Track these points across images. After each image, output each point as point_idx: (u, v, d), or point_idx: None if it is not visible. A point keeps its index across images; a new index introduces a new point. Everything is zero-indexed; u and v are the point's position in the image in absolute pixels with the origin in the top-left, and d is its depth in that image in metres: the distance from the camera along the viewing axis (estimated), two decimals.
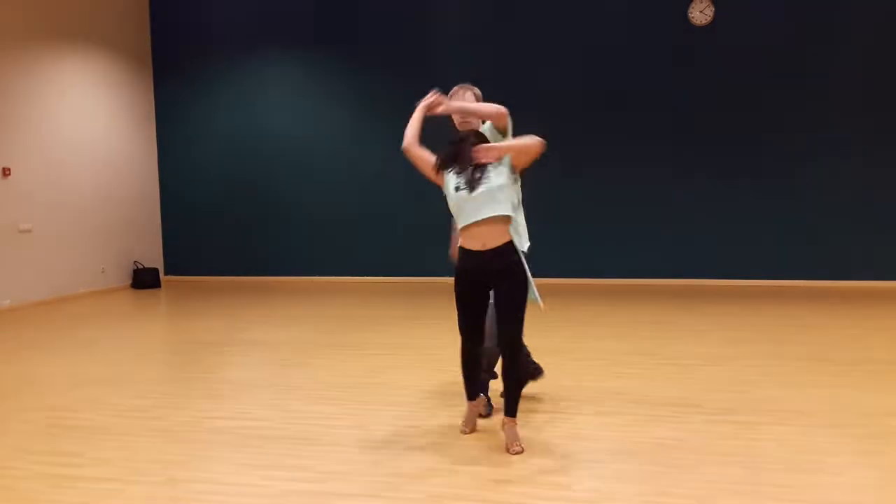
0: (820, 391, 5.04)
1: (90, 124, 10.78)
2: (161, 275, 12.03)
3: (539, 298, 4.06)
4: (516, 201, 4.00)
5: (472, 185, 3.89)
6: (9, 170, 9.42)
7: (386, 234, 11.41)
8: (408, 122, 4.25)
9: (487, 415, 4.49)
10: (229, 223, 12.01)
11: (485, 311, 4.08)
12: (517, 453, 3.86)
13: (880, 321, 7.57)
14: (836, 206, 10.15)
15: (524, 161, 3.93)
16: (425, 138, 4.19)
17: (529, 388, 4.80)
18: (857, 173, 10.07)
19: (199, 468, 3.82)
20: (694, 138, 10.44)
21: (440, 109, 4.21)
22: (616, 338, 6.62)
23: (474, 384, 4.21)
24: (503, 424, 4.00)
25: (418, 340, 6.98)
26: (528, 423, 4.15)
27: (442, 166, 4.05)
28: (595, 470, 3.70)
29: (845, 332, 7.03)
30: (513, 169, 3.93)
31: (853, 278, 10.12)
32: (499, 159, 3.90)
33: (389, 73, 11.27)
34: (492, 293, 3.99)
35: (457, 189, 3.94)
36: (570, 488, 3.48)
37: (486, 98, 4.40)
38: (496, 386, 4.48)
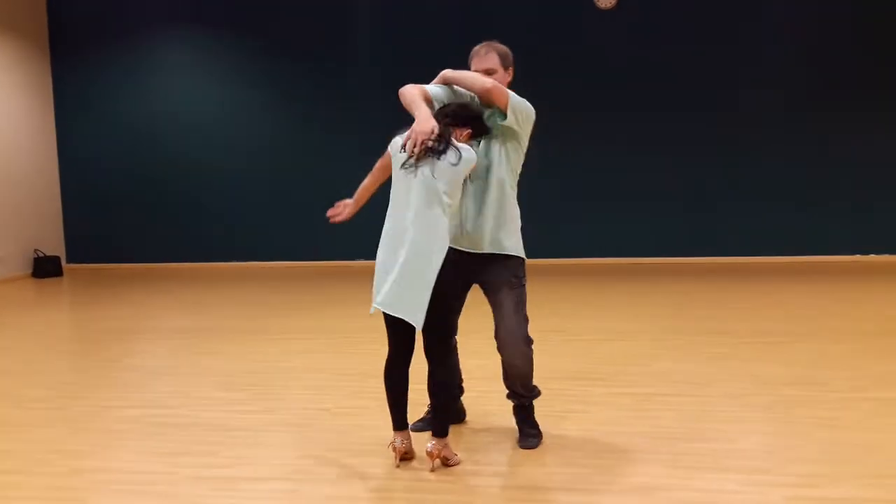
0: (717, 363, 5.25)
1: None
2: (63, 262, 11.66)
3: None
4: None
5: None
6: None
7: (297, 218, 11.30)
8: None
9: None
10: (135, 208, 11.69)
11: None
12: (457, 464, 3.54)
13: (776, 295, 7.90)
14: (734, 183, 10.49)
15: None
16: None
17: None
18: (757, 152, 10.42)
19: (103, 457, 3.76)
20: (596, 116, 10.62)
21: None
22: None
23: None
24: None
25: (329, 324, 6.98)
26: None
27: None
28: (500, 444, 3.79)
29: (742, 306, 7.32)
30: None
31: (749, 254, 10.49)
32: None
33: (300, 54, 11.13)
34: None
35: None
36: (479, 463, 3.56)
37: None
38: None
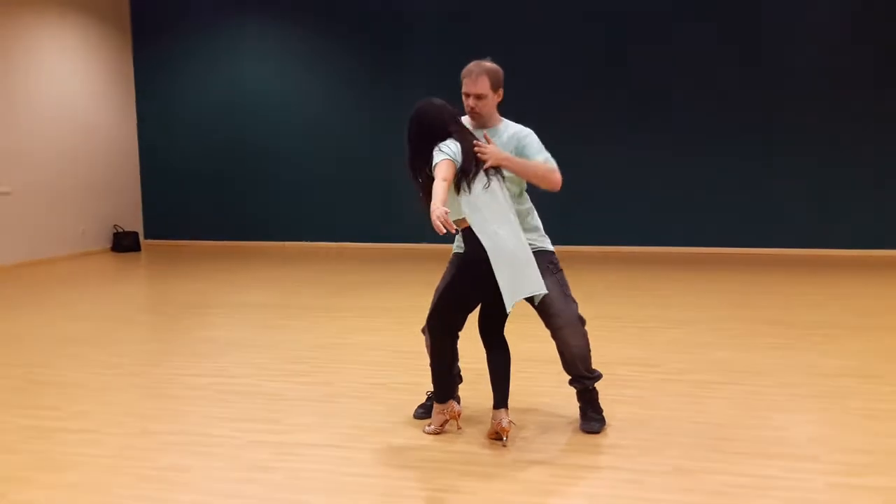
0: (774, 353, 5.24)
1: (67, 87, 10.79)
2: (141, 238, 12.11)
3: None
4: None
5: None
6: None
7: (367, 199, 11.51)
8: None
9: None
10: (211, 187, 12.08)
11: None
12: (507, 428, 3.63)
13: (838, 288, 7.79)
14: (799, 175, 10.31)
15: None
16: None
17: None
18: (817, 141, 10.22)
19: (172, 420, 3.99)
20: (659, 105, 10.57)
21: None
22: (582, 302, 6.78)
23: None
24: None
25: (392, 304, 7.15)
26: (484, 382, 4.29)
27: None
28: (550, 423, 3.90)
29: (804, 298, 7.24)
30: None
31: (816, 246, 10.31)
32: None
33: (370, 36, 11.32)
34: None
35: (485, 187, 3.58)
36: (528, 440, 3.67)
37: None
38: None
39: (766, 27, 10.24)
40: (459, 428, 3.78)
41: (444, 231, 3.20)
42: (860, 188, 10.17)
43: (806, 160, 10.28)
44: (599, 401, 3.90)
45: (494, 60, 3.77)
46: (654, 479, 3.24)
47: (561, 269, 3.86)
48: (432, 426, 3.75)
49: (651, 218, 10.75)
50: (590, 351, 3.83)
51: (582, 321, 3.80)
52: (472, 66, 3.73)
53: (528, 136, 3.76)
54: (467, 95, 3.70)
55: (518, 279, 3.47)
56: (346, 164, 11.57)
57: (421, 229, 11.06)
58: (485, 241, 3.46)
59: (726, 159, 10.48)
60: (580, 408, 3.90)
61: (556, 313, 3.72)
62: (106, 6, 11.52)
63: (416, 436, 3.73)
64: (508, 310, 3.50)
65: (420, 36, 11.13)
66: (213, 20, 11.80)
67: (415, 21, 11.16)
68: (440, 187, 3.38)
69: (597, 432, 3.78)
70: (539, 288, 3.54)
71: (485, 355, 3.72)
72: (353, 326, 6.22)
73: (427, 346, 3.91)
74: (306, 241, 11.84)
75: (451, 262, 3.95)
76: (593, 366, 3.88)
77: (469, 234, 3.53)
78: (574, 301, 3.82)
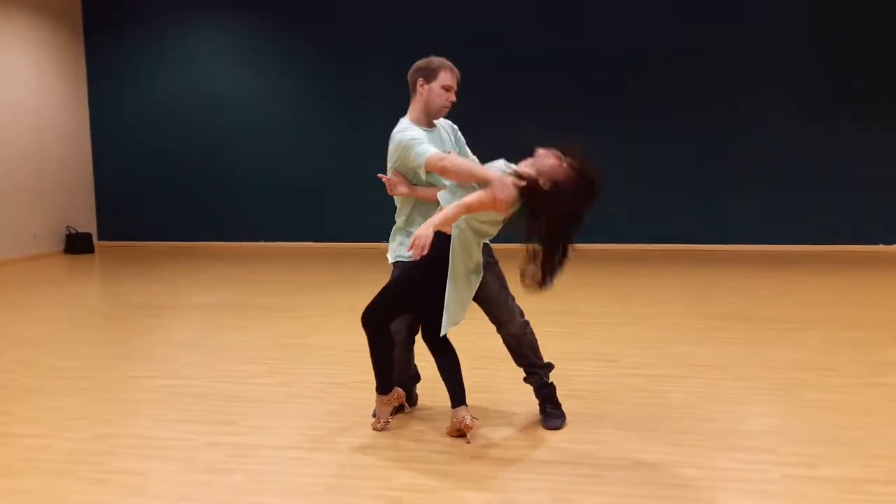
0: (732, 347, 5.29)
1: (15, 84, 10.52)
2: (95, 240, 11.90)
3: None
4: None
5: None
6: None
7: (324, 200, 11.43)
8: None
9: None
10: (165, 187, 11.89)
11: None
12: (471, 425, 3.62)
13: (796, 283, 7.90)
14: (759, 171, 10.44)
15: None
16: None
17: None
18: (784, 138, 10.37)
19: (124, 424, 3.90)
20: (615, 106, 10.64)
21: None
22: (541, 298, 6.78)
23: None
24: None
25: (351, 303, 7.08)
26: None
27: None
28: (510, 420, 3.88)
29: (761, 293, 7.33)
30: None
31: (771, 242, 10.45)
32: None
33: (324, 36, 11.23)
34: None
35: None
36: (487, 436, 3.65)
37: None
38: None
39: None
40: (408, 410, 3.81)
41: (417, 254, 3.27)
42: (814, 186, 10.32)
43: (767, 157, 10.40)
44: (558, 396, 3.90)
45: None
46: (615, 473, 3.24)
47: (497, 261, 3.86)
48: (381, 421, 3.72)
49: (611, 216, 10.79)
50: (536, 339, 3.85)
51: (521, 313, 3.82)
52: (444, 60, 3.69)
53: (458, 131, 3.96)
54: (450, 89, 3.69)
55: (462, 303, 3.51)
56: (303, 163, 11.47)
57: (378, 229, 11.08)
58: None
59: (683, 157, 10.57)
60: (539, 404, 3.90)
61: (499, 307, 3.75)
62: (57, 4, 11.29)
63: (376, 435, 3.69)
64: (443, 332, 3.49)
65: (382, 34, 11.06)
66: (165, 18, 11.61)
67: (377, 18, 11.09)
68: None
69: (559, 428, 3.78)
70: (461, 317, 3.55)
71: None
72: (312, 326, 6.16)
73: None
74: (262, 241, 11.72)
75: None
76: (551, 360, 3.91)
77: (438, 233, 3.40)
78: (512, 296, 3.82)
